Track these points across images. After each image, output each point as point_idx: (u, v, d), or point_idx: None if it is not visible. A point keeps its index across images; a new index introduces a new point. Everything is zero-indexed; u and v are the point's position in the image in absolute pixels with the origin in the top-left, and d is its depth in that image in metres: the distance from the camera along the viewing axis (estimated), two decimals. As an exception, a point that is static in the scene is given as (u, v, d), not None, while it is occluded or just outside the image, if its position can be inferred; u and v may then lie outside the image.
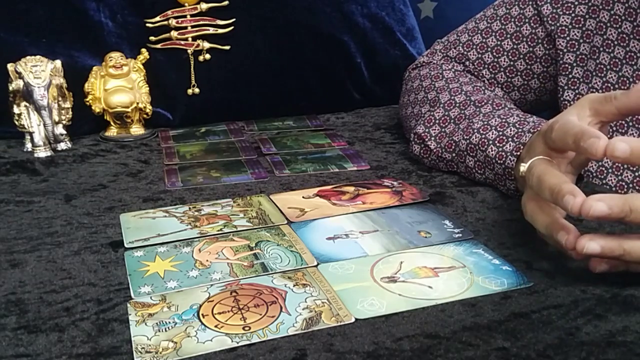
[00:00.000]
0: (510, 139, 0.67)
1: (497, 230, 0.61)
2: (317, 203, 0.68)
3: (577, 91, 0.77)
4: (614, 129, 0.73)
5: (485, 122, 0.71)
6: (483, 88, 0.80)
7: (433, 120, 0.77)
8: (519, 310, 0.48)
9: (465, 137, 0.72)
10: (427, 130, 0.77)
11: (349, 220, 0.64)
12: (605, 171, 0.72)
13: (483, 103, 0.75)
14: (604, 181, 0.73)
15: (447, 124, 0.76)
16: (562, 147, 0.54)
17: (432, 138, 0.76)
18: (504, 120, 0.70)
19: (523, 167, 0.56)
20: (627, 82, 0.72)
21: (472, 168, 0.72)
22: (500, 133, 0.68)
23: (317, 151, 0.86)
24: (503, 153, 0.67)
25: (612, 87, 0.74)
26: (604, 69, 0.74)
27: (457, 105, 0.76)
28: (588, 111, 0.55)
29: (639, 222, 0.47)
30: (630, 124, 0.72)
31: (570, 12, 0.77)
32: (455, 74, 0.83)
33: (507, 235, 0.60)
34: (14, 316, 0.49)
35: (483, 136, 0.70)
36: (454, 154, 0.74)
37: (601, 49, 0.74)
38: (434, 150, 0.76)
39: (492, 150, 0.68)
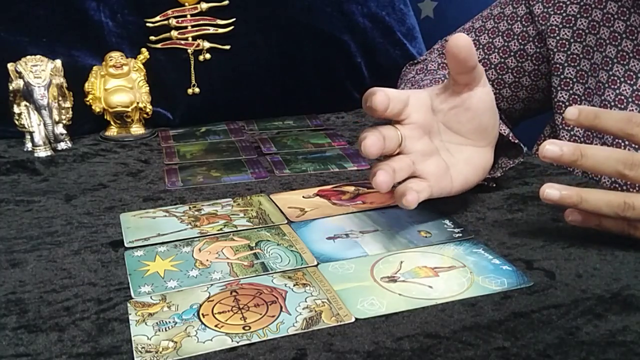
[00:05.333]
0: None
1: (497, 230, 0.61)
2: (317, 203, 0.68)
3: (570, 92, 0.77)
4: (581, 140, 0.73)
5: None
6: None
7: None
8: (519, 310, 0.48)
9: None
10: None
11: (349, 220, 0.64)
12: None
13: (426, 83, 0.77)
14: (600, 182, 0.73)
15: None
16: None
17: None
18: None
19: None
20: (618, 81, 0.72)
21: None
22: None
23: (317, 151, 0.86)
24: None
25: (603, 87, 0.73)
26: (597, 68, 0.74)
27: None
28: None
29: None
30: (595, 134, 0.72)
31: (562, 11, 0.77)
32: (439, 67, 0.84)
33: (507, 235, 0.60)
34: (14, 316, 0.49)
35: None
36: None
37: (595, 48, 0.74)
38: None
39: None
